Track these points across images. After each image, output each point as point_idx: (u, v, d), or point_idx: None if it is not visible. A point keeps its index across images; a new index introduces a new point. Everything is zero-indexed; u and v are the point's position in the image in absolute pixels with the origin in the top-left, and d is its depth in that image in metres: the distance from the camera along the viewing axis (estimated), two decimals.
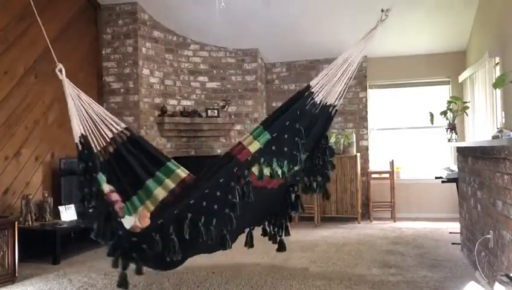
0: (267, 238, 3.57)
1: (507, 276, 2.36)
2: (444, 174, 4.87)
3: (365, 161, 6.59)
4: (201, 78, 6.48)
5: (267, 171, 3.14)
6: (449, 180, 4.71)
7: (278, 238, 3.47)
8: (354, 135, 6.39)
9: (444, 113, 4.74)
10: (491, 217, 3.05)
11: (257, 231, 3.64)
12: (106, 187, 3.10)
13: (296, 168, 3.28)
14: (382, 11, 3.34)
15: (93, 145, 3.26)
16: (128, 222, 3.04)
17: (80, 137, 3.22)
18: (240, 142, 3.23)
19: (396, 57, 6.47)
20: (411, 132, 6.61)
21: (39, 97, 4.78)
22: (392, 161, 6.24)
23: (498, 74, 4.37)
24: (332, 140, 5.95)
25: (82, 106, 3.40)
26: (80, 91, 3.53)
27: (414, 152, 6.59)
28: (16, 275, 3.69)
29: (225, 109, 6.38)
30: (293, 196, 3.41)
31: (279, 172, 3.18)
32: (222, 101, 6.42)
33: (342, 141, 6.24)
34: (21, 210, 4.35)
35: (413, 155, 6.59)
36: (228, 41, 6.41)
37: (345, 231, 5.55)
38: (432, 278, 3.49)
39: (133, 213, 3.30)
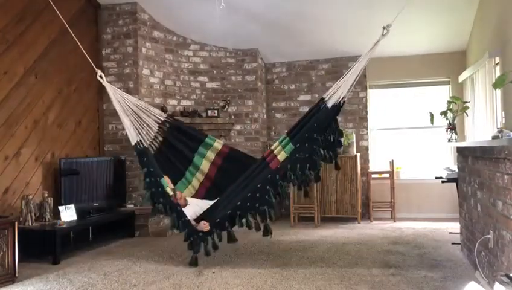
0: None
1: (507, 276, 2.36)
2: (444, 174, 4.87)
3: (365, 161, 6.59)
4: (201, 78, 6.48)
5: (292, 174, 3.89)
6: (449, 180, 4.71)
7: (262, 225, 4.00)
8: (354, 135, 6.39)
9: (444, 113, 4.73)
10: (491, 217, 3.05)
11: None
12: (170, 191, 4.04)
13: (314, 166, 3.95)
14: (384, 28, 3.78)
15: (146, 142, 4.19)
16: (190, 210, 4.13)
17: (136, 143, 4.11)
18: (271, 151, 4.08)
19: (397, 57, 6.47)
20: (411, 132, 6.61)
21: (39, 97, 4.78)
22: (392, 161, 6.24)
23: (498, 74, 4.37)
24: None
25: (128, 105, 4.22)
26: (123, 92, 4.13)
27: (414, 152, 6.59)
28: (16, 275, 3.69)
29: (225, 109, 6.39)
30: (279, 183, 3.93)
31: (302, 175, 3.89)
32: (222, 101, 6.42)
33: (343, 138, 6.22)
34: (21, 210, 4.35)
35: (413, 155, 6.59)
36: (228, 41, 6.41)
37: (345, 231, 5.54)
38: (432, 278, 3.49)
39: (188, 185, 4.53)
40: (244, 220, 3.91)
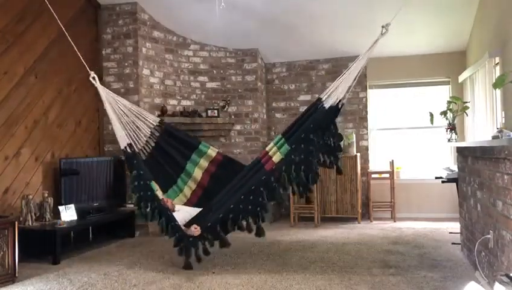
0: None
1: (507, 276, 2.36)
2: (444, 174, 4.87)
3: (365, 161, 6.58)
4: (201, 78, 6.48)
5: (287, 177, 3.77)
6: (449, 180, 4.71)
7: (254, 226, 3.89)
8: (354, 135, 6.39)
9: (444, 113, 4.73)
10: (491, 217, 3.05)
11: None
12: (160, 194, 3.92)
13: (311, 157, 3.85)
14: (382, 27, 3.73)
15: (137, 147, 4.08)
16: (179, 215, 3.98)
17: (126, 146, 3.98)
18: (266, 152, 3.99)
19: (396, 57, 6.47)
20: (411, 132, 6.61)
21: (39, 97, 4.78)
22: (392, 161, 6.24)
23: (498, 74, 4.37)
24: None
25: (120, 108, 4.10)
26: (115, 94, 4.03)
27: (414, 152, 6.59)
28: (16, 275, 3.69)
29: (225, 109, 6.38)
30: (274, 185, 3.83)
31: (298, 177, 3.77)
32: (222, 101, 6.42)
33: (343, 141, 6.22)
34: (21, 210, 4.35)
35: (413, 155, 6.59)
36: (228, 41, 6.41)
37: (345, 231, 5.54)
38: (432, 278, 3.49)
39: (179, 193, 4.39)
40: (235, 224, 3.80)
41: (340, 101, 3.80)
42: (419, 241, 4.81)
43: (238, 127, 6.50)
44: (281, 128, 6.78)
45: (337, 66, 6.65)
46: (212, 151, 4.43)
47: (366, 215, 6.34)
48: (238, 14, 5.62)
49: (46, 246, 4.28)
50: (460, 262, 3.93)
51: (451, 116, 4.70)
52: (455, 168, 4.72)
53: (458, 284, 3.32)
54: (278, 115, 6.99)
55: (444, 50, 6.29)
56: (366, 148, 6.62)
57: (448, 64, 6.32)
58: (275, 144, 3.98)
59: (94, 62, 5.69)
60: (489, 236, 3.05)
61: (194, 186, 4.43)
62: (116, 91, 5.64)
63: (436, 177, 4.99)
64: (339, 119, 6.59)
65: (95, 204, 5.11)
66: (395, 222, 6.10)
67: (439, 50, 6.30)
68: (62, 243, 4.34)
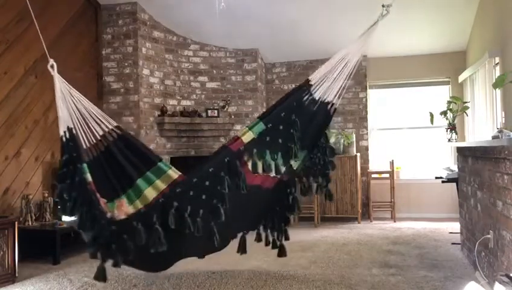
0: (263, 244, 3.58)
1: (507, 276, 2.36)
2: (444, 174, 4.87)
3: (365, 161, 6.58)
4: (201, 78, 6.48)
5: (260, 163, 3.08)
6: (449, 180, 4.71)
7: (278, 243, 3.50)
8: (354, 135, 6.39)
9: (444, 113, 4.74)
10: (491, 217, 3.05)
11: (251, 236, 3.63)
12: (89, 177, 3.00)
13: (292, 163, 3.23)
14: (383, 6, 3.35)
15: (81, 141, 3.20)
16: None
17: (65, 130, 3.15)
18: (235, 136, 3.19)
19: (396, 57, 6.47)
20: (411, 132, 6.61)
21: (39, 97, 4.78)
22: (392, 161, 6.24)
23: (498, 74, 4.37)
24: (332, 140, 5.96)
25: (73, 102, 3.31)
26: (71, 88, 3.45)
27: (414, 152, 6.59)
28: (16, 275, 3.69)
29: (225, 109, 6.38)
30: (290, 197, 3.37)
31: (272, 165, 3.13)
32: (222, 101, 6.42)
33: (342, 141, 6.24)
34: (21, 210, 4.35)
35: (413, 155, 6.59)
36: (228, 42, 6.41)
37: (345, 231, 5.54)
38: (432, 278, 3.49)
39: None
40: (174, 214, 2.85)
41: (332, 105, 3.28)
42: (419, 241, 4.81)
43: (238, 127, 6.49)
44: None
45: None
46: (174, 173, 3.24)
47: (366, 215, 6.33)
48: (238, 14, 5.62)
49: (46, 246, 4.28)
50: (460, 262, 3.93)
51: (451, 116, 4.71)
52: (455, 168, 4.72)
53: (458, 284, 3.32)
54: None
55: (444, 50, 6.29)
56: (366, 148, 6.62)
57: (448, 64, 6.32)
58: (247, 126, 3.23)
59: (94, 62, 5.70)
60: (489, 236, 3.05)
61: (140, 206, 3.21)
62: (116, 91, 5.66)
63: (436, 177, 4.99)
64: (338, 119, 6.62)
65: None
66: (395, 222, 6.10)
67: (439, 50, 6.30)
68: (62, 243, 4.34)
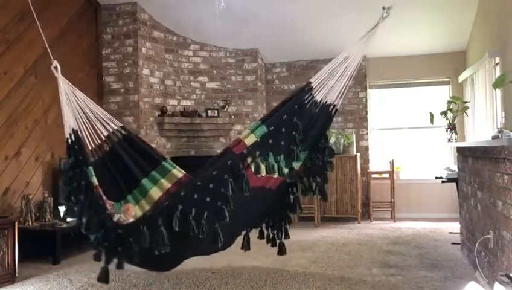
0: (264, 241, 3.58)
1: (507, 276, 2.36)
2: (444, 174, 4.87)
3: (365, 161, 6.58)
4: (201, 78, 6.48)
5: (263, 166, 3.10)
6: (449, 180, 4.71)
7: (278, 241, 3.49)
8: (354, 135, 6.39)
9: (444, 113, 4.74)
10: (491, 217, 3.05)
11: (254, 233, 3.64)
12: (95, 180, 3.05)
13: (294, 164, 3.25)
14: (383, 8, 3.35)
15: (86, 142, 3.26)
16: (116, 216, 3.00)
17: (70, 132, 3.25)
18: (238, 138, 3.20)
19: (396, 57, 6.47)
20: (411, 131, 6.61)
21: (39, 97, 4.78)
22: (392, 161, 6.24)
23: (498, 74, 4.37)
24: (332, 140, 5.96)
25: (77, 103, 3.43)
26: (75, 88, 3.49)
27: (414, 152, 6.59)
28: (16, 275, 3.69)
29: (225, 109, 6.38)
30: (291, 197, 3.38)
31: (275, 167, 3.15)
32: (222, 101, 6.42)
33: (342, 141, 6.23)
34: (21, 210, 4.35)
35: (413, 155, 6.59)
36: (228, 41, 6.41)
37: (345, 231, 5.54)
38: (432, 278, 3.49)
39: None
40: (179, 217, 2.89)
41: (333, 106, 3.29)
42: (419, 241, 4.81)
43: (238, 127, 6.50)
44: None
45: None
46: (178, 172, 3.29)
47: (366, 216, 6.34)
48: (238, 14, 5.62)
49: (46, 246, 4.29)
50: (460, 262, 3.93)
51: (451, 116, 4.71)
52: (455, 168, 4.72)
53: (458, 284, 3.32)
54: None
55: (444, 50, 6.29)
56: (366, 148, 6.62)
57: (448, 64, 6.32)
58: (249, 128, 3.22)
59: (94, 62, 5.70)
60: (489, 236, 3.05)
61: (147, 207, 3.27)
62: (116, 91, 5.66)
63: (436, 177, 4.99)
64: (338, 119, 6.62)
65: None
66: (395, 222, 6.10)
67: (439, 50, 6.30)
68: (62, 243, 4.34)
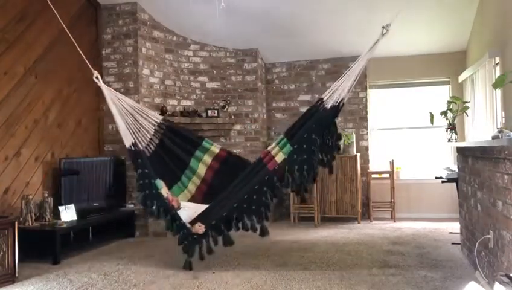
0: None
1: (507, 276, 2.36)
2: (444, 174, 4.87)
3: (365, 161, 6.58)
4: (201, 78, 6.48)
5: (290, 177, 3.85)
6: (449, 180, 4.71)
7: (258, 225, 3.91)
8: (354, 135, 6.39)
9: (444, 113, 4.73)
10: (491, 217, 3.05)
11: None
12: (164, 191, 3.98)
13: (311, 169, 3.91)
14: (383, 27, 3.78)
15: (141, 145, 4.13)
16: (184, 213, 4.03)
17: (130, 145, 4.04)
18: (269, 151, 4.02)
19: (396, 57, 6.47)
20: (411, 131, 6.61)
21: (39, 97, 4.78)
22: (392, 161, 6.24)
23: (498, 74, 4.37)
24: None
25: (124, 107, 4.16)
26: (118, 93, 4.06)
27: (414, 152, 6.59)
28: (16, 275, 3.69)
29: (225, 109, 6.38)
30: (277, 184, 3.91)
31: (300, 176, 3.86)
32: (222, 101, 6.42)
33: (342, 141, 6.23)
34: (21, 210, 4.35)
35: (413, 155, 6.59)
36: (228, 41, 6.41)
37: (345, 231, 5.54)
38: (432, 278, 3.49)
39: (184, 190, 4.44)
40: (240, 223, 3.87)
41: (341, 100, 3.89)
42: (419, 241, 4.81)
43: (238, 127, 6.50)
44: (281, 128, 6.78)
45: (337, 66, 6.65)
46: (215, 148, 4.47)
47: (366, 216, 6.34)
48: (238, 14, 5.62)
49: (46, 246, 4.29)
50: (460, 262, 3.93)
51: (451, 116, 4.70)
52: (455, 168, 4.72)
53: (458, 284, 3.32)
54: (278, 115, 6.99)
55: (444, 50, 6.29)
56: (366, 148, 6.62)
57: (448, 64, 6.32)
58: (277, 144, 4.03)
59: (94, 62, 5.69)
60: (489, 236, 3.05)
61: (198, 182, 4.47)
62: (116, 91, 5.63)
63: (436, 177, 4.99)
64: (339, 119, 6.62)
65: (95, 204, 5.12)
66: (395, 222, 6.10)
67: (439, 50, 6.30)
68: (62, 243, 4.34)
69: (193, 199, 4.42)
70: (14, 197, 4.43)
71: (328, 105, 3.90)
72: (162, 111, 5.88)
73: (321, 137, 3.89)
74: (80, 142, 5.38)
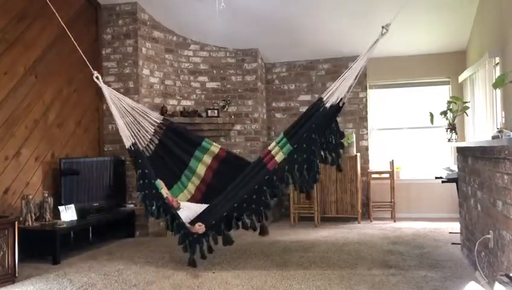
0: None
1: (507, 276, 2.36)
2: (444, 174, 4.86)
3: (365, 161, 6.58)
4: (201, 78, 6.48)
5: (290, 176, 3.84)
6: (449, 180, 4.71)
7: (258, 224, 3.94)
8: (354, 135, 6.39)
9: (444, 113, 4.73)
10: (491, 217, 3.05)
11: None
12: (164, 192, 3.96)
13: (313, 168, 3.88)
14: (382, 27, 3.75)
15: (141, 145, 4.13)
16: (184, 213, 4.02)
17: (130, 145, 4.03)
18: (269, 151, 4.00)
19: (396, 57, 6.47)
20: (411, 131, 6.61)
21: (39, 97, 4.78)
22: (392, 161, 6.24)
23: (498, 74, 4.37)
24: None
25: (124, 107, 4.15)
26: (118, 94, 4.06)
27: (414, 152, 6.59)
28: (16, 275, 3.69)
29: (225, 109, 6.38)
30: (276, 184, 3.90)
31: (300, 176, 3.84)
32: (222, 101, 6.42)
33: (343, 142, 6.22)
34: (21, 210, 4.35)
35: (413, 155, 6.59)
36: (228, 42, 6.41)
37: (345, 231, 5.54)
38: (432, 278, 3.49)
39: (184, 190, 4.42)
40: (240, 222, 3.90)
41: (341, 100, 3.85)
42: (419, 241, 4.81)
43: (238, 127, 6.50)
44: (281, 128, 6.79)
45: (337, 66, 6.65)
46: (215, 148, 4.45)
47: (366, 215, 6.34)
48: (238, 14, 5.62)
49: (46, 246, 4.29)
50: (460, 262, 3.93)
51: (451, 116, 4.70)
52: (455, 168, 4.72)
53: (458, 284, 3.32)
54: (278, 115, 6.99)
55: (444, 50, 6.29)
56: (366, 148, 6.62)
57: (448, 64, 6.32)
58: (277, 144, 4.01)
59: (94, 62, 5.68)
60: (489, 236, 3.05)
61: (197, 182, 4.47)
62: (116, 91, 5.64)
63: (436, 177, 4.99)
64: (339, 119, 6.59)
65: (95, 204, 5.12)
66: (395, 222, 6.10)
67: (439, 50, 6.30)
68: (62, 243, 4.34)
69: (193, 199, 4.44)
70: (14, 197, 4.43)
71: (328, 104, 3.87)
72: (162, 111, 5.88)
73: (323, 136, 3.87)
74: (79, 142, 5.37)
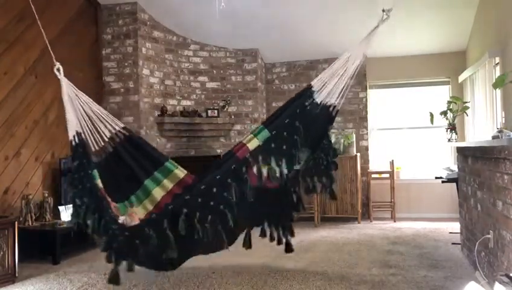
0: (267, 239, 3.66)
1: (507, 276, 2.36)
2: (444, 174, 4.86)
3: (365, 161, 6.58)
4: (201, 78, 6.48)
5: (265, 170, 3.17)
6: (449, 180, 4.71)
7: (284, 239, 3.57)
8: (354, 135, 6.39)
9: (444, 113, 4.74)
10: (491, 217, 3.05)
11: (255, 232, 3.71)
12: (100, 183, 3.13)
13: (296, 167, 3.29)
14: (383, 11, 3.38)
15: (90, 144, 3.32)
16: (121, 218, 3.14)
17: (74, 135, 3.24)
18: (241, 141, 3.31)
19: (396, 57, 6.47)
20: (411, 131, 6.61)
21: (39, 97, 4.78)
22: (392, 161, 6.24)
23: (498, 74, 4.37)
24: (332, 140, 5.94)
25: (80, 105, 3.47)
26: (78, 91, 3.57)
27: (414, 152, 6.59)
28: (16, 275, 3.69)
29: (225, 109, 6.38)
30: (295, 196, 3.45)
31: (277, 172, 3.21)
32: (222, 101, 6.42)
33: (342, 141, 6.24)
34: (21, 210, 4.35)
35: (413, 155, 6.59)
36: (228, 42, 6.41)
37: (345, 231, 5.54)
38: (432, 278, 3.49)
39: (130, 211, 3.38)
40: (184, 220, 2.98)
41: (334, 107, 3.35)
42: (419, 241, 4.81)
43: (238, 127, 6.50)
44: None
45: None
46: (180, 172, 3.39)
47: (366, 215, 6.33)
48: (238, 14, 5.62)
49: (46, 246, 4.29)
50: (460, 262, 3.93)
51: (451, 116, 4.70)
52: (455, 168, 4.72)
53: (458, 284, 3.32)
54: None
55: (444, 50, 6.29)
56: (366, 148, 6.62)
57: (448, 64, 6.32)
58: (252, 132, 3.34)
59: (94, 62, 5.70)
60: (489, 236, 3.05)
61: (150, 207, 3.38)
62: (116, 91, 5.66)
63: (436, 177, 4.98)
64: (338, 119, 6.62)
65: None
66: (395, 222, 6.10)
67: (439, 50, 6.30)
68: (62, 243, 4.34)
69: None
70: (14, 197, 4.43)
71: (318, 100, 3.30)
72: (162, 111, 5.89)
73: (311, 155, 3.28)
74: None
